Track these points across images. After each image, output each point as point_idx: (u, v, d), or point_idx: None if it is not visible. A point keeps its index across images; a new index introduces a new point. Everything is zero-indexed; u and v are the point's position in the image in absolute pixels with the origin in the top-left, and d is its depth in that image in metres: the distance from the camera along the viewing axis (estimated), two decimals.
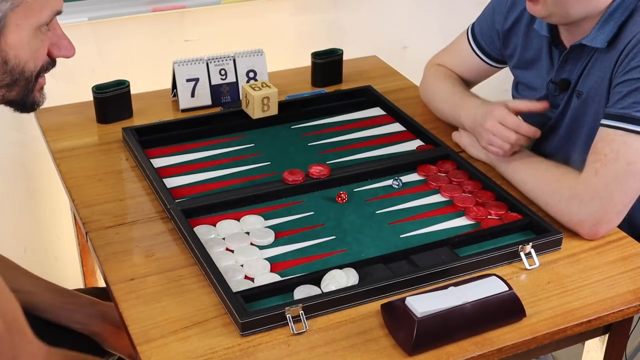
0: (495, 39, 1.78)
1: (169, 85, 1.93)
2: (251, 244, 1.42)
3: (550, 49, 1.63)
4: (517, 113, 1.57)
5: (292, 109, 1.85)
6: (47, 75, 1.29)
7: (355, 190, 1.58)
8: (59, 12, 1.24)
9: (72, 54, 1.28)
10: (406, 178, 1.62)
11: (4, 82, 1.21)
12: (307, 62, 2.03)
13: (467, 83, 1.88)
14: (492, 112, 1.56)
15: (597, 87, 1.53)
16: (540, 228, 1.44)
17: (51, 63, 1.28)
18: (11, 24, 1.16)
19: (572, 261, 1.40)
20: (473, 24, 1.85)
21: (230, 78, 1.90)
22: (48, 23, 1.23)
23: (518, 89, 1.78)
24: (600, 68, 1.52)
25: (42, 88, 1.29)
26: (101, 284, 1.99)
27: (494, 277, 1.28)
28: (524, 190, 1.55)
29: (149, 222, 1.49)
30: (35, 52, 1.22)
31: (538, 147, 1.69)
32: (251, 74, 1.92)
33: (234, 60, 1.90)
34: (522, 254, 1.38)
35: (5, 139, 2.15)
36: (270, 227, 1.47)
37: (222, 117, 1.81)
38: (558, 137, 1.65)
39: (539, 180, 1.51)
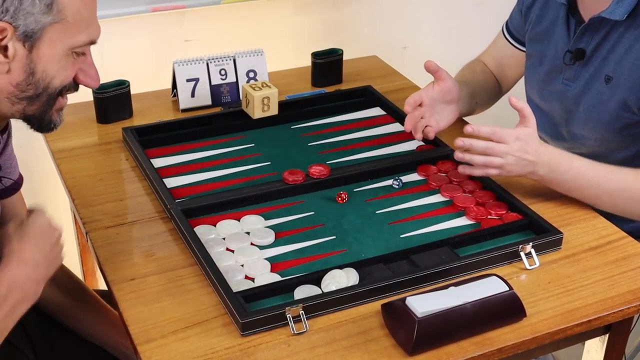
0: (522, 22, 1.79)
1: (169, 85, 1.93)
2: (251, 244, 1.42)
3: (567, 19, 1.63)
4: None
5: (292, 109, 1.85)
6: None
7: (355, 190, 1.58)
8: (93, 42, 1.23)
9: (96, 86, 1.27)
10: (406, 178, 1.62)
11: (27, 94, 1.19)
12: (307, 62, 2.03)
13: (507, 79, 1.89)
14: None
15: (630, 74, 1.54)
16: (540, 228, 1.44)
17: (74, 87, 1.26)
18: (47, 38, 1.15)
19: (572, 261, 1.40)
20: (506, 21, 1.87)
21: (230, 78, 1.90)
22: (82, 50, 1.22)
23: (526, 65, 1.79)
24: (637, 55, 1.52)
25: (61, 109, 1.27)
26: (101, 284, 1.99)
27: (494, 277, 1.28)
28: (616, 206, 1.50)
29: (149, 222, 1.49)
30: (63, 71, 1.20)
31: (557, 131, 1.69)
32: (251, 74, 1.92)
33: (234, 60, 1.90)
34: (522, 254, 1.38)
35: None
36: (270, 227, 1.47)
37: (222, 117, 1.81)
38: (577, 118, 1.64)
39: None
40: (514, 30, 1.84)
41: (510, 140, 1.43)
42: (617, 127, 1.59)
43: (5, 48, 1.13)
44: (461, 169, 1.52)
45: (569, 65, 1.63)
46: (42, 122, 1.25)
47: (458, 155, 1.48)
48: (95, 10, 1.23)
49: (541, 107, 1.75)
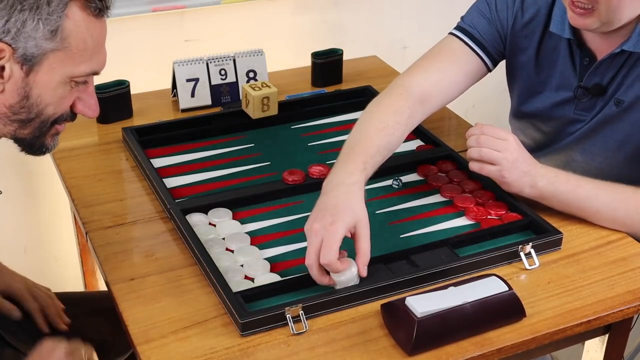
0: (497, 38, 1.66)
1: (169, 85, 1.93)
2: (251, 243, 1.42)
3: (571, 52, 1.57)
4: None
5: (292, 109, 1.85)
6: None
7: None
8: (96, 73, 1.21)
9: (94, 116, 1.24)
10: (406, 178, 1.62)
11: (19, 117, 1.17)
12: (307, 62, 2.03)
13: (449, 97, 1.65)
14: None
15: None
16: (540, 228, 1.44)
17: (71, 116, 1.23)
18: (46, 64, 1.12)
19: (572, 261, 1.40)
20: (459, 27, 1.67)
21: (230, 78, 1.90)
22: (84, 80, 1.19)
23: (517, 90, 1.73)
24: None
25: (57, 133, 1.24)
26: (101, 284, 1.99)
27: (494, 277, 1.28)
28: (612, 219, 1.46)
29: (149, 222, 1.49)
30: (59, 99, 1.17)
31: (567, 153, 1.66)
32: (251, 74, 1.92)
33: (234, 60, 1.90)
34: (522, 254, 1.38)
35: (5, 139, 2.15)
36: (270, 227, 1.47)
37: (222, 117, 1.81)
38: (589, 143, 1.61)
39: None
40: (485, 41, 1.65)
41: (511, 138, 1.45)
42: (628, 147, 1.57)
43: (2, 68, 1.11)
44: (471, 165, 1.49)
45: (583, 101, 1.58)
46: (33, 147, 1.23)
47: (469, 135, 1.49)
48: (103, 41, 1.20)
49: (540, 128, 1.70)
